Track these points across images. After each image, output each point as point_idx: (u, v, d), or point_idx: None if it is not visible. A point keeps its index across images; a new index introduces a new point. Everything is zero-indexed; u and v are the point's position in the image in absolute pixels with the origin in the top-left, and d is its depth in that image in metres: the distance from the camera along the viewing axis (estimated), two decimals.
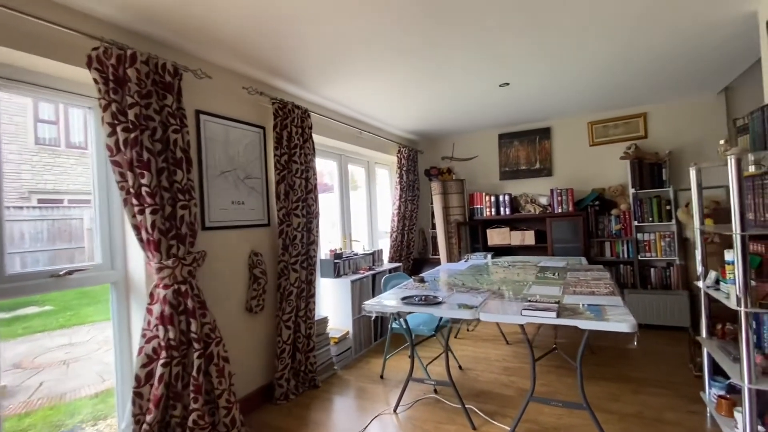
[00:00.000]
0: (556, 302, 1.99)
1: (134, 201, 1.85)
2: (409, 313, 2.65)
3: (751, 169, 1.94)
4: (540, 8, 2.02)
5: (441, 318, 2.76)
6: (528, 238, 4.35)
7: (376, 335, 3.75)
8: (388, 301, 2.36)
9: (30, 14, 1.59)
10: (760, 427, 1.71)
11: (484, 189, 4.79)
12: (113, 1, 1.76)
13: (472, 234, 4.73)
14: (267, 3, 1.83)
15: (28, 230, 2.33)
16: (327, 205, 3.90)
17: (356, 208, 4.34)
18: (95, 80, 1.79)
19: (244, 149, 2.63)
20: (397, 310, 2.23)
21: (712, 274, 2.16)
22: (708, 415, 2.22)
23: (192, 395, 1.96)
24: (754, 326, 1.66)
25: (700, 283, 2.26)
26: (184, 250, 1.99)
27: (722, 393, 2.11)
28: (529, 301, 2.07)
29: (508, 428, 2.16)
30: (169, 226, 1.95)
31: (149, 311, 1.94)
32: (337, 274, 3.45)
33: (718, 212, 3.06)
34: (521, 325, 2.00)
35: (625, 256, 4.02)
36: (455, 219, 4.55)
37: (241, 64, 2.49)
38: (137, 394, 1.88)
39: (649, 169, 3.89)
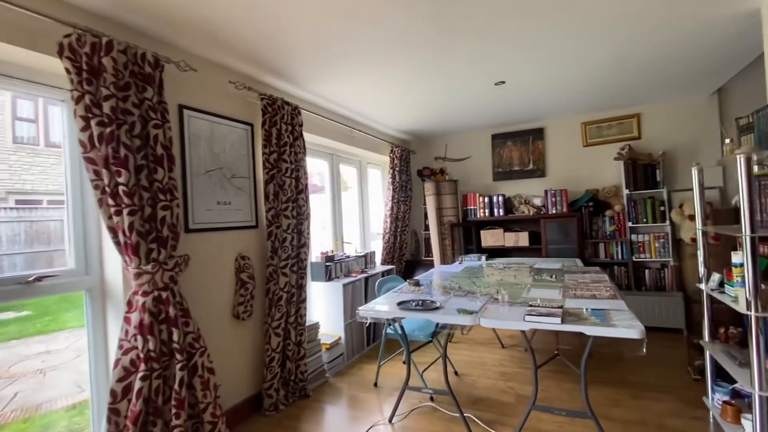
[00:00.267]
0: (559, 307, 1.91)
1: (110, 201, 1.71)
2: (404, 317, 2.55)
3: (755, 169, 1.90)
4: (539, 4, 1.95)
5: (437, 323, 2.67)
6: (522, 239, 4.29)
7: (369, 340, 3.64)
8: (383, 306, 2.25)
9: None
10: None
11: (478, 190, 4.72)
12: None
13: (465, 235, 4.65)
14: None
15: (5, 232, 2.19)
16: (317, 207, 3.77)
17: (348, 209, 4.22)
18: (67, 70, 1.65)
19: (230, 147, 2.50)
20: (394, 316, 2.13)
21: (716, 277, 2.11)
22: (711, 421, 2.17)
23: (174, 410, 1.82)
24: (764, 331, 1.61)
25: (702, 286, 2.22)
26: (166, 254, 1.85)
27: (727, 398, 2.06)
28: (531, 305, 1.99)
29: None
30: (149, 228, 1.81)
31: (127, 320, 1.80)
32: (329, 278, 3.33)
33: (716, 213, 3.05)
34: (523, 331, 1.92)
35: (620, 257, 4.00)
36: (449, 220, 4.47)
37: (228, 57, 2.36)
38: (113, 411, 1.73)
39: (643, 170, 3.87)
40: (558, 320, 1.74)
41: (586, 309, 1.93)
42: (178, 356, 1.83)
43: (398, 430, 2.25)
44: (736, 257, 1.81)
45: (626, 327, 1.65)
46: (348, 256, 3.67)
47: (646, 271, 3.88)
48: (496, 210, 4.44)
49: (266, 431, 2.32)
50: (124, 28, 1.93)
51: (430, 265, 4.65)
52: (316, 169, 3.83)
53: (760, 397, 1.61)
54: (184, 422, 1.82)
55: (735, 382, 2.09)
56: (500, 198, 4.42)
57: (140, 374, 1.74)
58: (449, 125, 4.48)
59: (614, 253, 4.03)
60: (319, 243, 3.76)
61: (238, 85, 2.51)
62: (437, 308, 2.10)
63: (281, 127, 2.67)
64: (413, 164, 5.08)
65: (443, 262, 4.40)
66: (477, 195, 4.55)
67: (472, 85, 3.11)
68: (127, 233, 1.72)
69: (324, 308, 3.28)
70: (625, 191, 3.91)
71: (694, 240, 3.53)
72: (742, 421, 1.84)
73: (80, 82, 1.67)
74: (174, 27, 1.98)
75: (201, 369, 1.93)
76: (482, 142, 4.80)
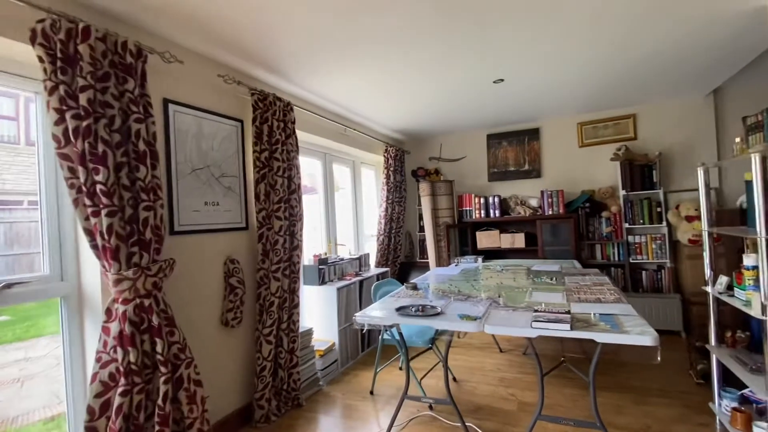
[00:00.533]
0: (566, 312, 1.83)
1: (87, 201, 1.57)
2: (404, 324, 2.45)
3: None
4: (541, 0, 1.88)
5: (436, 329, 2.57)
6: (518, 240, 4.23)
7: (364, 345, 3.53)
8: (380, 312, 2.14)
9: None
10: None
11: (473, 190, 4.65)
12: None
13: (461, 237, 4.58)
14: None
15: None
16: (310, 208, 3.65)
17: (341, 209, 4.11)
18: (40, 58, 1.51)
19: (219, 144, 2.37)
20: (393, 322, 2.02)
21: (723, 279, 2.06)
22: (718, 427, 2.11)
23: (157, 427, 1.68)
24: None
25: (709, 288, 2.16)
26: (148, 259, 1.71)
27: (735, 405, 2.00)
28: (536, 310, 1.90)
29: None
30: (130, 230, 1.67)
31: (105, 330, 1.66)
32: (322, 281, 3.20)
33: (719, 214, 3.01)
34: (529, 338, 1.83)
35: (616, 258, 3.96)
36: (444, 221, 4.39)
37: (217, 49, 2.23)
38: (90, 429, 1.59)
39: (640, 171, 3.85)
40: (567, 327, 1.66)
41: (594, 314, 1.86)
42: (161, 369, 1.70)
43: None
44: (748, 260, 1.75)
45: (639, 334, 1.57)
46: (342, 259, 3.56)
47: (643, 272, 3.85)
48: (491, 211, 4.37)
49: None
50: (103, 15, 1.79)
51: (425, 267, 4.56)
52: (308, 169, 3.70)
53: None
54: None
55: (742, 387, 2.05)
56: (496, 199, 4.35)
57: (120, 389, 1.61)
58: (444, 125, 4.40)
59: (611, 255, 3.99)
60: (312, 245, 3.63)
61: (228, 79, 2.38)
62: (438, 314, 2.00)
63: (273, 124, 2.55)
64: (407, 164, 4.99)
65: (439, 264, 4.31)
66: (473, 196, 4.48)
67: (471, 82, 3.03)
68: (106, 236, 1.58)
69: (317, 313, 3.16)
70: (622, 192, 3.88)
71: (691, 241, 3.51)
72: (755, 429, 1.78)
73: (54, 71, 1.53)
74: (158, 15, 1.84)
75: (187, 381, 1.80)
76: (477, 142, 4.73)
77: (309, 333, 2.85)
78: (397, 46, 2.32)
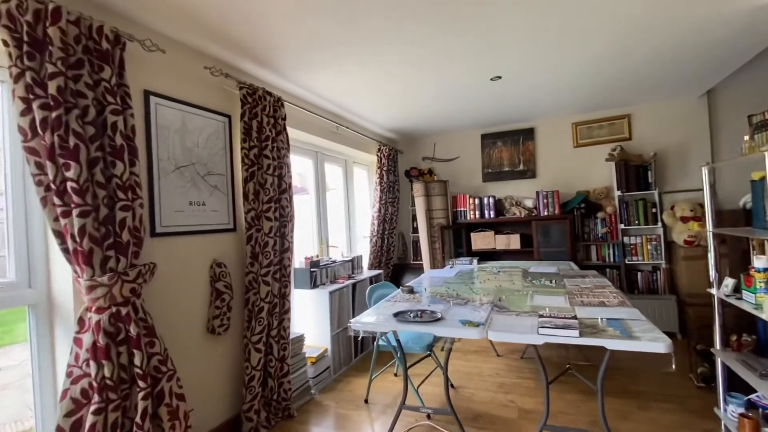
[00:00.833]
0: (573, 317, 1.75)
1: (56, 200, 1.43)
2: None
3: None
4: None
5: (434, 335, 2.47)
6: (513, 242, 4.17)
7: (357, 351, 3.41)
8: (377, 317, 2.03)
9: None
10: None
11: (467, 191, 4.58)
12: None
13: (455, 238, 4.49)
14: None
15: None
16: (301, 209, 3.52)
17: (333, 210, 3.98)
18: (4, 42, 1.37)
19: (205, 140, 2.23)
20: (391, 329, 1.91)
21: (729, 281, 2.01)
22: None
23: None
24: None
25: (714, 291, 2.11)
26: (126, 263, 1.57)
27: (742, 411, 1.95)
28: (541, 315, 1.82)
29: None
30: (105, 232, 1.53)
31: (77, 342, 1.51)
32: (314, 285, 3.08)
33: (720, 215, 2.98)
34: (534, 345, 1.75)
35: (612, 260, 3.93)
36: (438, 222, 4.30)
37: (203, 39, 2.09)
38: None
39: (635, 171, 3.82)
40: (576, 333, 1.58)
41: (601, 319, 1.78)
42: (140, 383, 1.55)
43: None
44: (759, 262, 1.69)
45: (651, 340, 1.50)
46: (334, 261, 3.43)
47: (639, 274, 3.83)
48: (486, 212, 4.30)
49: None
50: None
51: (419, 269, 4.47)
52: (298, 169, 3.57)
53: None
54: None
55: (745, 391, 2.00)
56: (491, 200, 4.28)
57: (93, 407, 1.46)
58: (438, 124, 4.31)
59: (606, 256, 3.96)
60: (303, 247, 3.50)
61: (215, 71, 2.24)
62: (438, 320, 1.90)
63: (262, 120, 2.42)
64: (401, 164, 4.89)
65: (433, 266, 4.22)
66: (467, 196, 4.40)
67: (468, 79, 2.95)
68: (78, 238, 1.44)
69: (309, 318, 3.03)
70: (617, 193, 3.84)
71: (686, 242, 3.49)
72: None
73: (20, 56, 1.39)
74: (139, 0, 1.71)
75: (168, 396, 1.66)
76: (471, 142, 4.66)
77: (300, 339, 2.72)
78: (393, 40, 2.22)
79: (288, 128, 2.76)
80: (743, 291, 1.87)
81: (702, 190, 3.69)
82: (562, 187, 4.20)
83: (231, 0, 1.75)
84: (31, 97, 1.39)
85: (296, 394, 2.59)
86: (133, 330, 1.55)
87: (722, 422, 2.09)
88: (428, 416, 2.37)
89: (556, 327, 1.62)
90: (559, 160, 4.29)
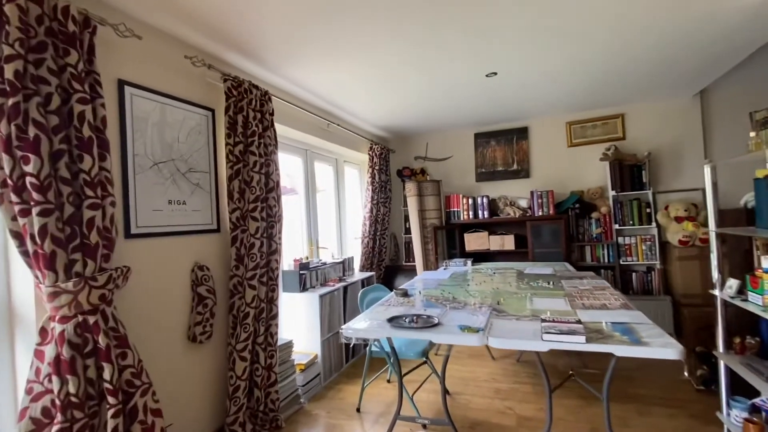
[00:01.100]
0: (577, 322, 1.66)
1: (13, 197, 1.28)
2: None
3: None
4: None
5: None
6: (507, 242, 4.10)
7: (348, 356, 3.28)
8: (370, 323, 1.92)
9: None
10: None
11: (460, 191, 4.49)
12: None
13: (448, 239, 4.40)
14: None
15: None
16: (290, 209, 3.38)
17: (323, 210, 3.85)
18: None
19: (186, 135, 2.09)
20: (386, 335, 1.80)
21: (733, 282, 1.95)
22: None
23: None
24: None
25: (717, 292, 2.05)
26: (94, 267, 1.42)
27: (746, 415, 1.89)
28: (544, 320, 1.73)
29: None
30: (71, 233, 1.38)
31: (39, 355, 1.36)
32: (303, 288, 2.95)
33: (722, 214, 2.94)
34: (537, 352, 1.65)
35: (606, 260, 3.88)
36: (431, 223, 4.20)
37: (183, 26, 1.95)
38: None
39: (629, 171, 3.79)
40: (582, 339, 1.49)
41: (606, 323, 1.70)
42: (110, 399, 1.41)
43: None
44: (767, 262, 1.63)
45: (661, 346, 1.41)
46: (324, 263, 3.30)
47: (633, 274, 3.79)
48: (480, 212, 4.22)
49: None
50: None
51: (411, 270, 4.37)
52: (287, 168, 3.43)
53: None
54: None
55: (750, 395, 1.94)
56: (484, 200, 4.20)
57: (56, 427, 1.31)
58: (431, 123, 4.22)
59: (600, 257, 3.91)
60: (292, 249, 3.37)
61: (196, 62, 2.10)
62: (436, 325, 1.80)
63: (248, 114, 2.29)
64: (392, 164, 4.78)
65: (426, 267, 4.12)
66: (460, 196, 4.32)
67: (463, 75, 2.86)
68: (38, 240, 1.29)
69: (298, 323, 2.90)
70: (611, 193, 3.80)
71: (681, 242, 3.46)
72: None
73: None
74: None
75: (143, 412, 1.52)
76: (465, 142, 4.59)
77: (289, 346, 2.59)
78: (388, 34, 2.11)
79: (276, 124, 2.63)
80: (749, 292, 1.81)
81: (696, 189, 3.73)
82: (556, 187, 4.15)
83: None
84: None
85: (284, 403, 2.45)
86: (102, 341, 1.40)
87: (725, 427, 2.03)
88: (424, 426, 2.26)
89: (561, 333, 1.53)
90: (553, 160, 4.24)
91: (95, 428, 1.42)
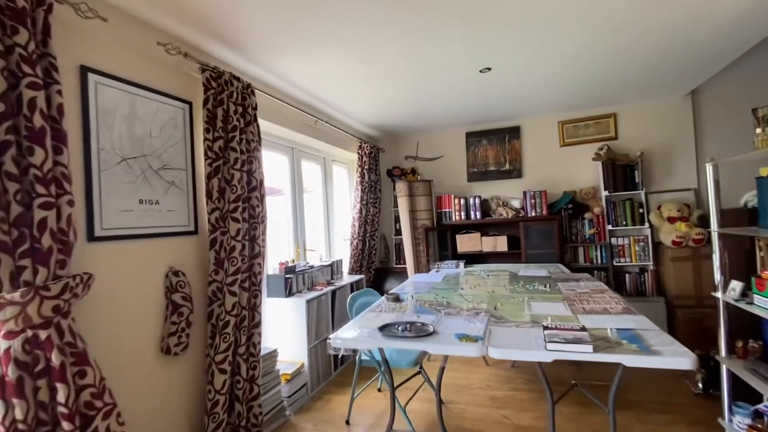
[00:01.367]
0: (581, 329, 1.56)
1: None
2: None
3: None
4: None
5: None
6: (500, 244, 4.01)
7: (336, 364, 3.14)
8: (359, 331, 1.78)
9: None
10: None
11: (451, 191, 4.39)
12: None
13: (440, 240, 4.29)
14: None
15: None
16: (275, 210, 3.22)
17: (310, 211, 3.70)
18: None
19: (160, 129, 1.92)
20: (377, 346, 1.67)
21: (737, 285, 1.88)
22: None
23: None
24: None
25: (719, 294, 1.98)
26: (47, 275, 1.26)
27: (750, 422, 1.82)
28: (546, 327, 1.62)
29: None
30: (18, 236, 1.21)
31: None
32: (289, 293, 2.79)
33: (724, 214, 2.89)
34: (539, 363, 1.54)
35: (599, 261, 3.83)
36: (423, 224, 4.09)
37: (154, 10, 1.79)
38: None
39: (622, 171, 3.74)
40: (589, 348, 1.38)
41: (611, 329, 1.60)
42: (65, 425, 1.24)
43: None
44: None
45: (673, 355, 1.32)
46: (312, 266, 3.16)
47: (626, 275, 3.74)
48: (472, 212, 4.12)
49: None
50: None
51: (402, 273, 4.25)
52: (273, 167, 3.27)
53: None
54: None
55: (752, 400, 1.88)
56: (476, 200, 4.11)
57: None
58: (422, 121, 4.11)
59: (594, 258, 3.86)
60: (278, 251, 3.21)
61: (170, 50, 1.93)
62: (431, 333, 1.67)
63: (229, 108, 2.13)
64: (382, 163, 4.66)
65: (417, 270, 4.00)
66: (452, 197, 4.21)
67: (456, 70, 2.75)
68: None
69: (283, 330, 2.74)
70: (604, 193, 3.75)
71: (674, 243, 3.41)
72: None
73: None
74: None
75: None
76: (456, 141, 4.49)
77: (273, 355, 2.43)
78: (379, 26, 1.99)
79: (260, 120, 2.48)
80: (755, 295, 1.74)
81: (688, 189, 3.70)
82: (549, 187, 4.08)
83: None
84: None
85: (268, 417, 2.30)
86: (55, 358, 1.24)
87: None
88: None
89: (567, 341, 1.42)
90: (545, 160, 4.17)
91: None
